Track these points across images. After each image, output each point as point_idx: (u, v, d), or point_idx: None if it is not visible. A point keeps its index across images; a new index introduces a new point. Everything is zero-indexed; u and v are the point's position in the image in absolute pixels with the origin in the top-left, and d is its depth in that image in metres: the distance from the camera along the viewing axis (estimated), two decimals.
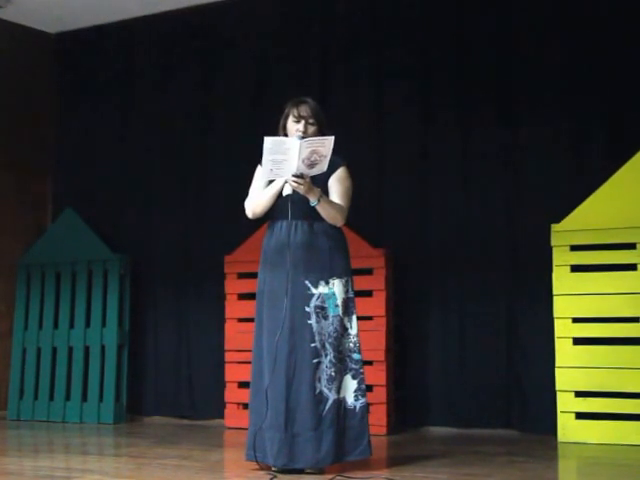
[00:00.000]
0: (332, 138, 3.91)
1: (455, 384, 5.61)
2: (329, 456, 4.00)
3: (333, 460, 4.01)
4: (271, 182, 4.20)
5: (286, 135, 4.20)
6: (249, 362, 4.29)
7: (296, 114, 4.17)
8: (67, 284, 6.63)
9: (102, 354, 6.45)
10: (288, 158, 3.90)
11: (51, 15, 6.73)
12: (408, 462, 4.35)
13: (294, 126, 4.16)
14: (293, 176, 3.94)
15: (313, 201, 4.06)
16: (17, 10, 6.55)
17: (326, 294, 4.10)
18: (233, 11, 6.50)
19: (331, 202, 4.13)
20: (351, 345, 4.14)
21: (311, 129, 4.16)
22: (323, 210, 4.10)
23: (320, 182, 4.10)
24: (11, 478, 4.05)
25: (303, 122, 4.15)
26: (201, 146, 6.54)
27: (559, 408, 5.09)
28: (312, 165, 3.94)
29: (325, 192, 4.14)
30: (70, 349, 6.56)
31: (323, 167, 3.99)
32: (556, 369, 5.11)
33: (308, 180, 3.99)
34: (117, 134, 6.85)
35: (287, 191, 4.11)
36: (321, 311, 4.08)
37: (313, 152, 3.90)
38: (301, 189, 4.00)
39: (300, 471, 4.01)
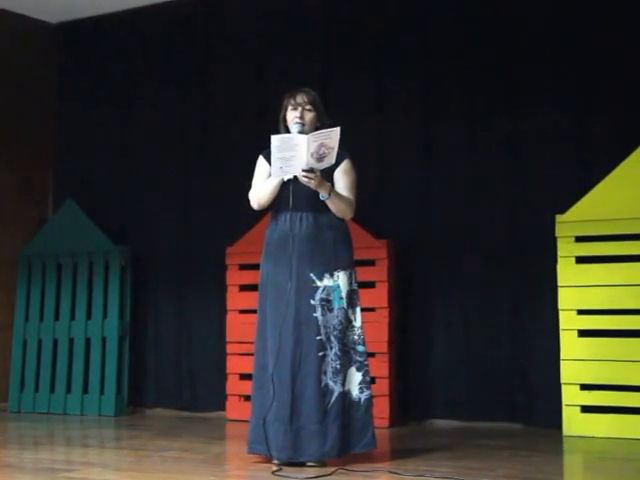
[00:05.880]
0: (338, 129, 3.90)
1: (458, 376, 5.58)
2: (334, 449, 3.98)
3: (338, 453, 4.00)
4: None
5: (286, 126, 4.19)
6: (251, 354, 4.28)
7: (293, 102, 4.17)
8: (68, 276, 6.60)
9: (103, 346, 6.42)
10: (296, 154, 3.89)
11: (52, 5, 6.69)
12: (411, 455, 4.33)
13: (292, 114, 4.15)
14: (303, 171, 3.92)
15: (324, 195, 4.05)
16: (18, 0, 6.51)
17: (331, 287, 4.08)
18: (234, 1, 6.46)
19: (341, 196, 4.12)
20: (355, 337, 4.12)
21: (309, 115, 4.15)
22: (333, 204, 4.09)
23: (325, 175, 4.08)
24: (11, 471, 4.04)
25: (300, 109, 4.14)
26: (202, 136, 6.51)
27: (564, 401, 5.05)
28: (321, 158, 3.94)
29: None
30: (71, 341, 6.54)
31: (331, 159, 3.98)
32: (561, 362, 5.07)
33: (318, 174, 3.97)
34: (118, 125, 6.81)
35: (289, 176, 4.07)
36: (326, 304, 4.06)
37: (321, 145, 3.89)
38: (312, 184, 3.99)
39: (302, 464, 3.98)
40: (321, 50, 6.15)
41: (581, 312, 5.08)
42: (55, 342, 6.59)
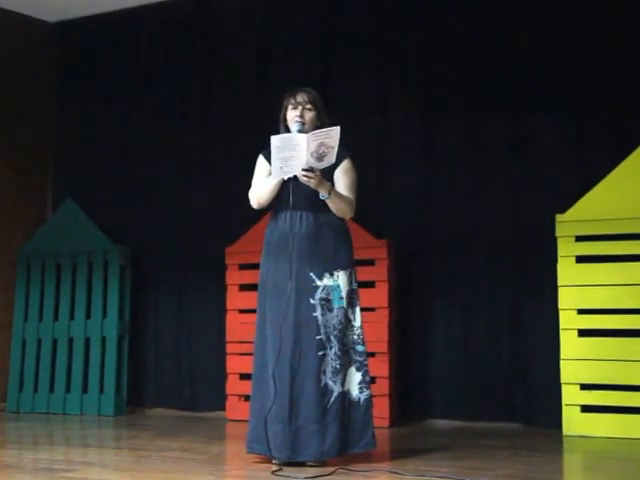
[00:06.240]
0: (338, 128, 3.89)
1: (458, 376, 5.57)
2: (333, 449, 3.97)
3: (337, 453, 3.99)
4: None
5: (286, 126, 4.18)
6: (251, 354, 4.27)
7: (293, 102, 4.16)
8: (67, 275, 6.59)
9: (102, 345, 6.41)
10: (296, 154, 3.88)
11: (51, 4, 6.67)
12: (411, 455, 4.32)
13: (292, 113, 4.14)
14: (303, 170, 3.91)
15: (324, 195, 4.04)
16: None
17: (331, 286, 4.07)
18: (234, 0, 6.45)
19: (341, 195, 4.11)
20: (355, 337, 4.11)
21: (309, 114, 4.14)
22: (333, 204, 4.09)
23: (325, 175, 4.07)
24: (11, 471, 4.03)
25: (300, 108, 4.13)
26: (202, 136, 6.49)
27: (564, 401, 5.04)
28: (321, 158, 3.92)
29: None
30: (70, 340, 6.53)
31: (332, 159, 3.97)
32: (561, 361, 5.06)
33: (318, 174, 3.97)
34: (118, 124, 6.80)
35: (289, 176, 4.05)
36: (326, 303, 4.05)
37: (321, 145, 3.88)
38: (312, 183, 3.97)
39: (301, 463, 3.97)
40: (321, 50, 6.14)
41: (581, 312, 5.07)
42: (54, 342, 6.58)
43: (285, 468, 3.90)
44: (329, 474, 3.78)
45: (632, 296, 4.94)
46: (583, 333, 5.06)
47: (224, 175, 6.25)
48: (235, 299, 5.95)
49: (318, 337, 4.01)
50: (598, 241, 5.08)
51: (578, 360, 5.02)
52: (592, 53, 5.35)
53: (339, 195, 4.11)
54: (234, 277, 5.98)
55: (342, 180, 4.16)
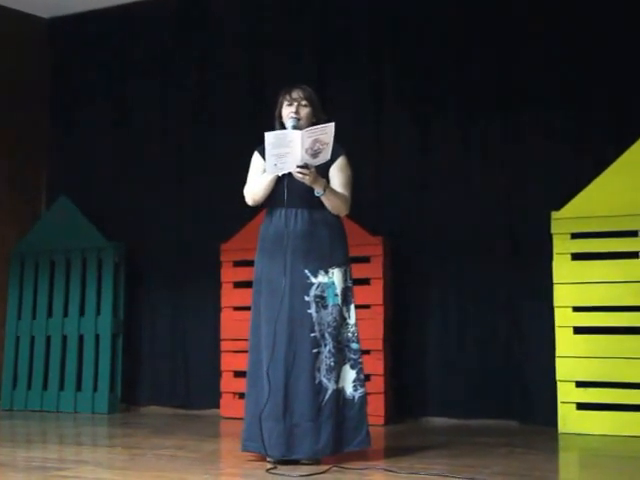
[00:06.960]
0: (332, 125, 3.88)
1: (454, 374, 5.56)
2: (328, 447, 3.96)
3: (332, 451, 3.97)
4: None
5: (282, 123, 4.16)
6: (245, 351, 4.26)
7: (288, 98, 4.15)
8: (61, 272, 6.57)
9: (96, 343, 6.39)
10: (291, 151, 3.87)
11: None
12: (406, 453, 4.30)
13: (287, 110, 4.13)
14: (298, 167, 3.89)
15: (319, 191, 4.03)
16: None
17: (325, 283, 4.05)
18: None
19: (336, 192, 4.10)
20: (349, 335, 4.10)
21: (304, 111, 4.13)
22: (328, 201, 4.07)
23: (321, 172, 4.05)
24: (3, 469, 4.00)
25: (295, 104, 4.13)
26: (198, 133, 6.47)
27: (559, 398, 5.04)
28: (316, 154, 3.91)
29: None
30: (64, 338, 6.51)
31: (327, 155, 3.95)
32: (556, 359, 5.05)
33: (313, 170, 3.95)
34: (112, 120, 6.77)
35: (284, 172, 4.04)
36: (320, 300, 4.04)
37: (315, 141, 3.87)
38: (307, 179, 3.96)
39: (296, 461, 3.96)
40: (320, 50, 6.11)
41: (577, 309, 5.07)
42: (48, 339, 6.55)
43: (279, 466, 3.89)
44: (323, 472, 3.77)
45: (628, 293, 4.94)
46: (578, 330, 5.05)
47: (219, 173, 6.23)
48: (230, 296, 5.93)
49: (312, 334, 4.00)
50: (593, 238, 5.07)
51: (574, 358, 5.02)
52: (591, 53, 5.34)
53: (334, 192, 4.09)
54: (229, 274, 5.96)
55: (337, 177, 4.15)
